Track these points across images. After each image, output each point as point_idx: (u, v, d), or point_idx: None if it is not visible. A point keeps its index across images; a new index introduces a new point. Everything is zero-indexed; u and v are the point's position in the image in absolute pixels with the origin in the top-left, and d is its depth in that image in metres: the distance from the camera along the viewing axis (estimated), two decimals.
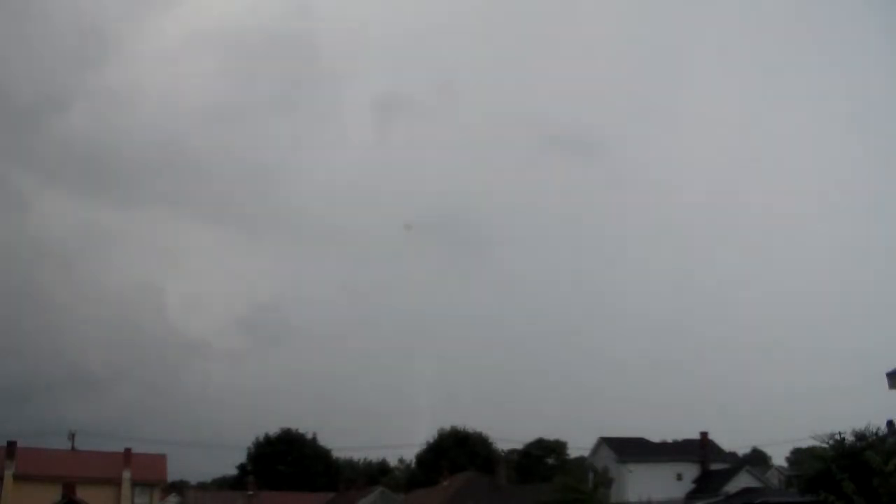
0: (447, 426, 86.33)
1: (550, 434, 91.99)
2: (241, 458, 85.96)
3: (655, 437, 68.65)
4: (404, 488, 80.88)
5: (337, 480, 77.18)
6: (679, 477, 62.39)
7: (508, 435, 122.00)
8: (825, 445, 37.30)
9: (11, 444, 53.53)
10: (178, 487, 79.37)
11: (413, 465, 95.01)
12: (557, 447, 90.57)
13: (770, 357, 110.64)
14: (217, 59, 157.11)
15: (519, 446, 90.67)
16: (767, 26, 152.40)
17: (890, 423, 39.12)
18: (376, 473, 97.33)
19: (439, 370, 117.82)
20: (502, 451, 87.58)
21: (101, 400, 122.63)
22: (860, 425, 38.09)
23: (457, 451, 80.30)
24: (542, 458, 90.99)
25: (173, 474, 68.40)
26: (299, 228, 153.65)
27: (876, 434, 37.48)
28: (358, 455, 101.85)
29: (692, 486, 62.04)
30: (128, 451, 57.03)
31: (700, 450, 64.53)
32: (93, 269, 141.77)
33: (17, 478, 51.88)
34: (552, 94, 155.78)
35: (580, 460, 76.93)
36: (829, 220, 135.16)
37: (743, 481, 58.40)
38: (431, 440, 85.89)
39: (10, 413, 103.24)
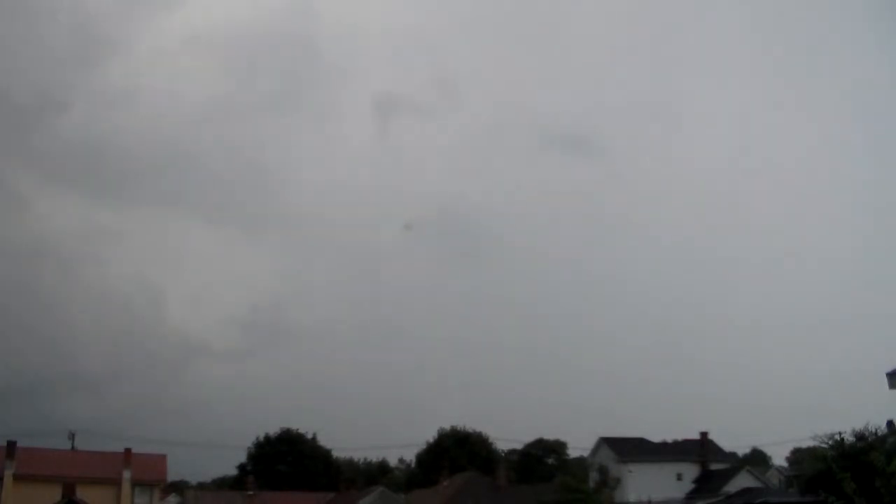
0: (447, 426, 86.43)
1: (550, 434, 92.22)
2: (241, 458, 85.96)
3: (655, 437, 68.77)
4: (404, 488, 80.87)
5: (337, 480, 77.11)
6: (679, 477, 62.39)
7: (508, 435, 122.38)
8: (825, 445, 37.35)
9: (11, 444, 53.37)
10: (178, 487, 79.36)
11: (413, 465, 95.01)
12: (557, 447, 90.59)
13: (770, 357, 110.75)
14: (217, 58, 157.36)
15: (519, 446, 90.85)
16: (769, 25, 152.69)
17: (890, 423, 39.16)
18: (376, 473, 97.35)
19: (439, 370, 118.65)
20: (502, 451, 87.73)
21: (101, 400, 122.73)
22: (860, 425, 38.21)
23: (457, 451, 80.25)
24: (542, 458, 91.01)
25: (173, 474, 68.45)
26: (299, 228, 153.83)
27: (876, 434, 37.54)
28: (358, 455, 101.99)
29: (692, 486, 62.03)
30: (128, 451, 56.87)
31: (700, 450, 64.53)
32: (93, 268, 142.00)
33: (17, 478, 51.75)
34: (553, 94, 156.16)
35: (580, 460, 76.97)
36: (829, 220, 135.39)
37: (743, 481, 58.38)
38: (431, 440, 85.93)
39: (10, 413, 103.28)
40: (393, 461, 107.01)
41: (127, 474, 55.08)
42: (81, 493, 52.79)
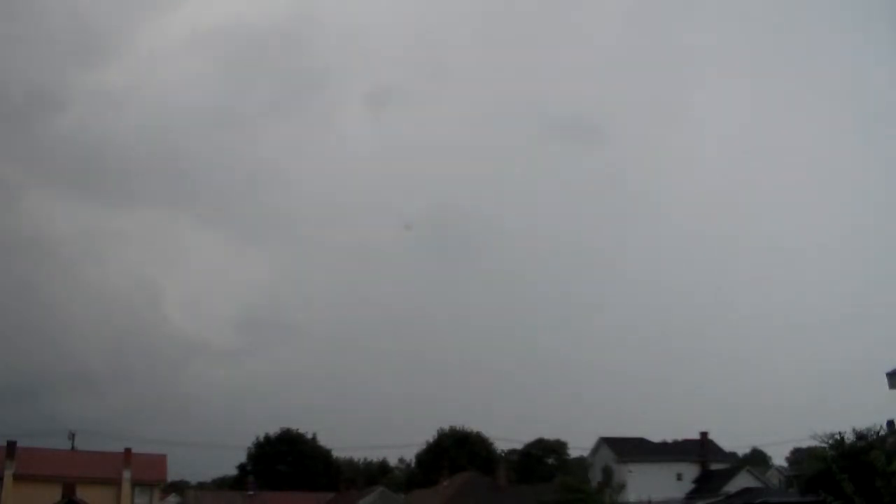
0: (447, 426, 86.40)
1: (550, 434, 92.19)
2: (241, 458, 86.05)
3: (655, 437, 68.78)
4: (404, 488, 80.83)
5: (337, 480, 77.13)
6: (679, 477, 62.39)
7: (508, 435, 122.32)
8: (825, 445, 37.31)
9: (11, 444, 53.35)
10: (178, 487, 79.33)
11: (413, 465, 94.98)
12: (557, 447, 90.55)
13: (770, 357, 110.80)
14: (215, 59, 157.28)
15: (519, 446, 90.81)
16: (775, 28, 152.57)
17: (890, 423, 39.12)
18: (376, 473, 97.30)
19: (439, 370, 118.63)
20: (502, 451, 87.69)
21: (101, 400, 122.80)
22: (860, 425, 38.17)
23: (457, 451, 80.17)
24: (542, 458, 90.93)
25: (173, 474, 68.46)
26: (299, 228, 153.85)
27: (877, 434, 37.48)
28: (358, 455, 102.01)
29: (692, 486, 62.03)
30: (128, 451, 56.86)
31: (700, 450, 64.51)
32: (93, 268, 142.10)
33: (17, 478, 51.74)
34: (553, 88, 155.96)
35: (580, 460, 76.96)
36: (830, 220, 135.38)
37: (743, 481, 58.38)
38: (431, 440, 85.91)
39: (10, 413, 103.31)
40: (393, 461, 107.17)
41: (127, 474, 55.06)
42: (81, 493, 52.77)
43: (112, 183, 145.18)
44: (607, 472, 58.96)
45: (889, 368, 21.95)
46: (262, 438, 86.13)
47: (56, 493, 51.90)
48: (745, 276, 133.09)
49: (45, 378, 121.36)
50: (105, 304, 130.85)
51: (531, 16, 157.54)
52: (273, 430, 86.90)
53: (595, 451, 66.41)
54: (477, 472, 67.52)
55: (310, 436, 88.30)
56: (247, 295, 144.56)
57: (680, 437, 69.68)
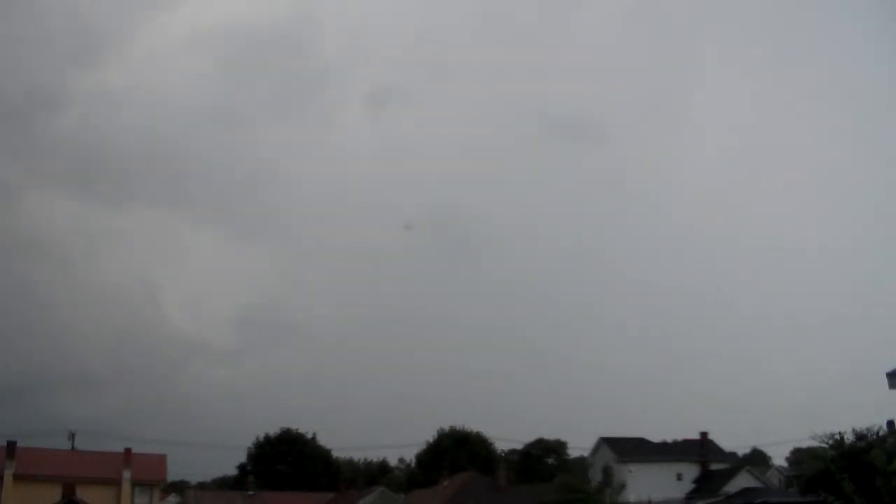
0: (447, 426, 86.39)
1: (550, 434, 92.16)
2: (241, 458, 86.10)
3: (655, 437, 68.74)
4: (404, 488, 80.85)
5: (337, 480, 77.15)
6: (679, 477, 62.35)
7: (508, 435, 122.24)
8: (825, 445, 37.39)
9: (11, 444, 53.33)
10: (178, 487, 79.33)
11: (413, 465, 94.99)
12: (557, 447, 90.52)
13: (770, 357, 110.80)
14: (215, 59, 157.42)
15: (519, 446, 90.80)
16: (775, 28, 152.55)
17: (890, 423, 39.17)
18: (376, 473, 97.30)
19: (439, 370, 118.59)
20: (502, 451, 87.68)
21: (101, 400, 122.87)
22: (860, 425, 38.24)
23: (457, 451, 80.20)
24: (542, 458, 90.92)
25: (173, 474, 68.44)
26: (299, 228, 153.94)
27: (877, 434, 37.54)
28: (358, 455, 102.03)
29: (692, 486, 62.01)
30: (128, 451, 56.87)
31: (700, 450, 64.50)
32: (92, 268, 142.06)
33: (17, 478, 51.72)
34: (553, 88, 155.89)
35: (580, 460, 76.91)
36: (830, 219, 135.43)
37: (743, 481, 58.37)
38: (431, 440, 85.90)
39: (10, 413, 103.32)
40: (393, 461, 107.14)
41: (127, 474, 55.05)
42: (81, 493, 52.79)
43: (112, 183, 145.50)
44: (607, 472, 58.90)
45: (889, 368, 21.92)
46: (262, 438, 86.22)
47: (56, 493, 51.92)
48: (745, 276, 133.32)
49: (45, 378, 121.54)
50: (105, 303, 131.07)
51: (531, 16, 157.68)
52: (273, 430, 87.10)
53: (595, 451, 66.38)
54: (477, 472, 67.54)
55: (310, 436, 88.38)
56: (246, 295, 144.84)
57: (680, 437, 69.74)
